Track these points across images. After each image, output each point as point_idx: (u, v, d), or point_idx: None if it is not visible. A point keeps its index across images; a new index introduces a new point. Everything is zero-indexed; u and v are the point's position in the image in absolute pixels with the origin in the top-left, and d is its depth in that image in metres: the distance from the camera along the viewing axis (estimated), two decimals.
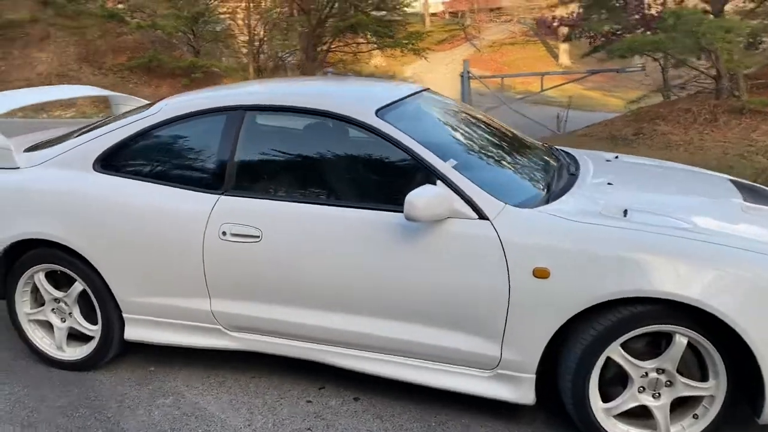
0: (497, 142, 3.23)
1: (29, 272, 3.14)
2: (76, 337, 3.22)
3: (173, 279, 2.91)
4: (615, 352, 2.43)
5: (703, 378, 2.45)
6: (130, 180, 2.97)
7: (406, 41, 23.64)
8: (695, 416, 2.48)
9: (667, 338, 2.41)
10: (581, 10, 12.15)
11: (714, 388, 2.42)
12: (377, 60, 35.25)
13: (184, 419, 2.79)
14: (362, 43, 24.22)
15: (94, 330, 3.12)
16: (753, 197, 2.95)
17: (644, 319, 2.37)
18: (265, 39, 23.00)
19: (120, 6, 21.61)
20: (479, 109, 4.45)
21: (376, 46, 23.87)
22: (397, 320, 2.66)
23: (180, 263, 2.87)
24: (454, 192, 2.56)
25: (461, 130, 3.26)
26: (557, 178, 2.98)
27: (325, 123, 2.88)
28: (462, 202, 2.55)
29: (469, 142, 3.14)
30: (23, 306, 3.22)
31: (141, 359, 3.26)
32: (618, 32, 11.15)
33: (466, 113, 3.53)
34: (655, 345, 2.45)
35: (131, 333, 3.07)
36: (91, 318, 3.13)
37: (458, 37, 40.43)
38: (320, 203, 2.72)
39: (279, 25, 23.56)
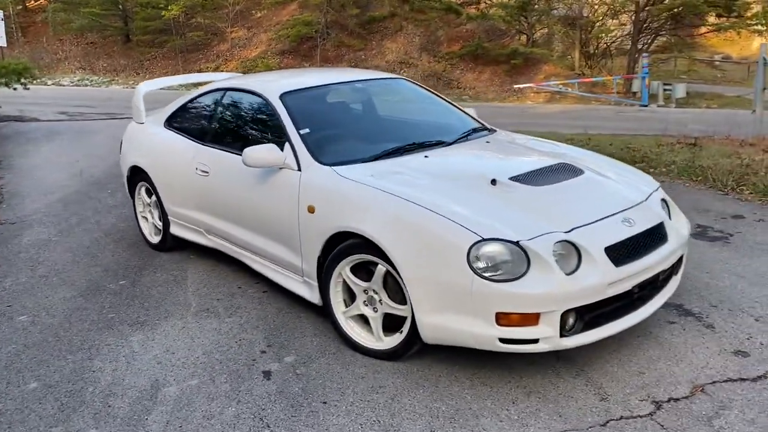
0: (393, 121, 4.22)
1: (138, 185, 5.21)
2: (159, 230, 5.17)
3: (186, 196, 4.63)
4: (343, 271, 3.37)
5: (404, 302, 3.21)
6: (173, 132, 4.79)
7: (754, 21, 21.39)
8: (401, 332, 3.26)
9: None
10: None
11: (407, 311, 3.18)
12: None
13: (176, 280, 4.53)
14: (697, 26, 22.59)
15: (160, 224, 5.05)
16: (537, 178, 3.39)
17: (356, 249, 3.28)
18: (593, 26, 23.11)
19: None
20: None
21: (712, 28, 22.11)
22: (262, 235, 3.96)
23: (187, 186, 4.57)
24: (292, 150, 3.73)
25: (361, 110, 4.30)
26: (409, 150, 3.81)
27: (254, 98, 4.25)
28: (293, 158, 3.72)
29: (353, 118, 4.21)
30: (138, 205, 5.32)
31: (190, 251, 5.07)
32: None
33: (405, 97, 4.50)
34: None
35: (173, 230, 4.91)
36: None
37: None
38: (232, 152, 4.13)
39: (612, 9, 23.38)
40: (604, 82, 21.54)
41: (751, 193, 5.87)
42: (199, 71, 25.74)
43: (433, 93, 4.78)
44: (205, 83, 5.05)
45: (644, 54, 20.52)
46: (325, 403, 2.98)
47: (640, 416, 2.78)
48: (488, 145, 4.05)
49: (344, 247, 3.33)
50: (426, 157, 3.71)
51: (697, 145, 8.27)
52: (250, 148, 3.70)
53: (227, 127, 4.44)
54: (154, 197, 5.02)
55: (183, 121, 4.79)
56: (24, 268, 4.92)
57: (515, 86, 21.68)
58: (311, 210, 3.50)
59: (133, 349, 3.58)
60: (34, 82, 21.21)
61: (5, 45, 24.08)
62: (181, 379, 3.24)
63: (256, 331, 3.73)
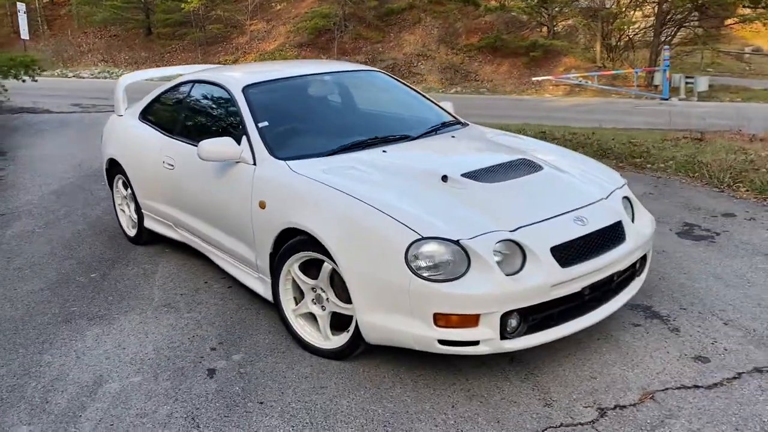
0: (359, 114, 4.14)
1: (116, 177, 5.19)
2: (135, 223, 5.15)
3: (155, 190, 4.59)
4: (292, 268, 3.30)
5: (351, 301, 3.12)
6: (145, 125, 4.75)
7: None
8: (348, 331, 3.18)
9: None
10: None
11: (352, 310, 3.09)
12: None
13: (146, 274, 4.50)
14: (722, 17, 22.05)
15: (135, 217, 5.02)
16: (492, 174, 3.26)
17: (303, 246, 3.20)
18: (615, 18, 22.63)
19: None
20: None
21: (737, 19, 21.58)
22: (220, 230, 3.90)
23: (157, 180, 4.54)
24: (248, 144, 3.66)
25: (328, 103, 4.20)
26: (371, 144, 3.71)
27: (218, 91, 4.17)
28: (249, 152, 3.64)
29: (317, 112, 4.10)
30: (117, 198, 5.30)
31: (165, 245, 5.04)
32: None
33: (377, 89, 4.39)
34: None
35: (147, 223, 4.87)
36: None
37: None
38: (192, 144, 4.05)
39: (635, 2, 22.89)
40: (625, 75, 21.11)
41: (747, 191, 5.65)
42: (219, 63, 25.85)
43: (408, 86, 4.66)
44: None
45: (666, 47, 20.04)
46: (261, 403, 2.92)
47: (581, 424, 2.66)
48: (452, 140, 3.92)
49: (292, 243, 3.26)
50: (384, 152, 3.60)
51: (703, 140, 8.02)
52: (206, 141, 3.64)
53: (191, 119, 4.39)
54: (129, 190, 4.99)
55: (154, 114, 4.76)
56: (0, 260, 4.93)
57: (534, 79, 21.33)
58: (262, 206, 3.42)
59: (85, 344, 3.55)
60: (55, 74, 21.47)
61: (27, 38, 24.46)
62: (124, 376, 3.20)
63: (211, 328, 3.67)
